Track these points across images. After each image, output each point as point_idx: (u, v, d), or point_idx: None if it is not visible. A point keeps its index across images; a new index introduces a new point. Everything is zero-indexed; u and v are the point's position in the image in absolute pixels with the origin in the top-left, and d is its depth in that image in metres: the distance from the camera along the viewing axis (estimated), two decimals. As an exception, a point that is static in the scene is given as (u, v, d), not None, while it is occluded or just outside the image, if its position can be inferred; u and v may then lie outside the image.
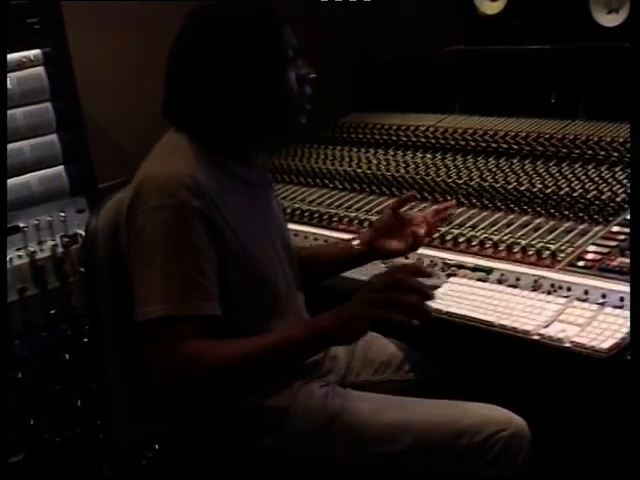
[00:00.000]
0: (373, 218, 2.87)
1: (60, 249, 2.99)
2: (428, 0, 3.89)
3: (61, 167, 3.01)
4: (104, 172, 3.14)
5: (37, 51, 2.92)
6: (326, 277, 2.53)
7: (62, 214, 3.00)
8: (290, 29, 2.09)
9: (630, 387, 1.67)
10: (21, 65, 2.88)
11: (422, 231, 2.38)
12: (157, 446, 2.10)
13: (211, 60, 2.00)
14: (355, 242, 2.46)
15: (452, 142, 3.40)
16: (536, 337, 2.01)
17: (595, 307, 2.06)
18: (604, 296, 2.12)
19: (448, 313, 2.19)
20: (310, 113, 2.14)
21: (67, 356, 3.02)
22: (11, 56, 2.86)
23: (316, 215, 3.05)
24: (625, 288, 2.13)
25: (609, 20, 3.23)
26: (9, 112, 2.86)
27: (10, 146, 2.86)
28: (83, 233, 2.93)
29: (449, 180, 3.05)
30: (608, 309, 2.04)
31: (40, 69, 2.93)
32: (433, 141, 3.46)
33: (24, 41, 2.89)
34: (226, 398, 1.98)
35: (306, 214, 3.07)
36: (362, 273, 2.49)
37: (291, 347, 1.88)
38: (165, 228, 1.88)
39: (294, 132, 2.25)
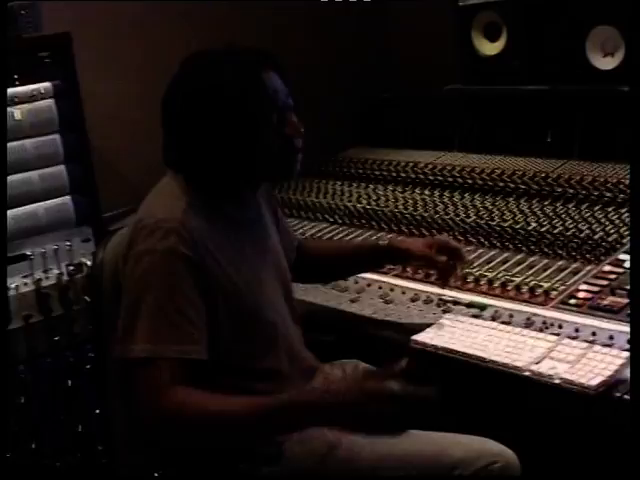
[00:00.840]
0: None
1: (65, 277, 3.03)
2: (428, 40, 3.97)
3: (68, 197, 3.06)
4: (108, 202, 3.21)
5: (47, 84, 2.98)
6: (341, 273, 2.68)
7: (68, 243, 3.05)
8: (286, 78, 2.13)
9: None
10: (32, 97, 2.94)
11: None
12: (157, 474, 2.15)
13: (198, 108, 2.05)
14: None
15: (450, 179, 3.47)
16: (527, 373, 2.05)
17: (585, 345, 2.10)
18: (594, 334, 2.17)
19: (443, 348, 2.24)
20: (302, 161, 2.18)
21: (70, 382, 3.06)
22: (22, 89, 2.93)
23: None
24: (614, 326, 2.19)
25: (604, 63, 3.31)
26: (19, 143, 2.93)
27: (19, 176, 2.93)
28: (88, 262, 3.01)
29: (446, 217, 3.11)
30: (597, 347, 2.08)
31: (50, 102, 2.99)
32: (431, 178, 3.53)
33: (35, 74, 2.95)
34: (206, 447, 1.96)
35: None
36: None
37: (279, 416, 1.86)
38: (153, 271, 1.94)
39: (285, 180, 2.29)
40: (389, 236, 3.06)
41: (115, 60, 3.55)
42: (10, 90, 2.90)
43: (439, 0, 3.84)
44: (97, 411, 3.07)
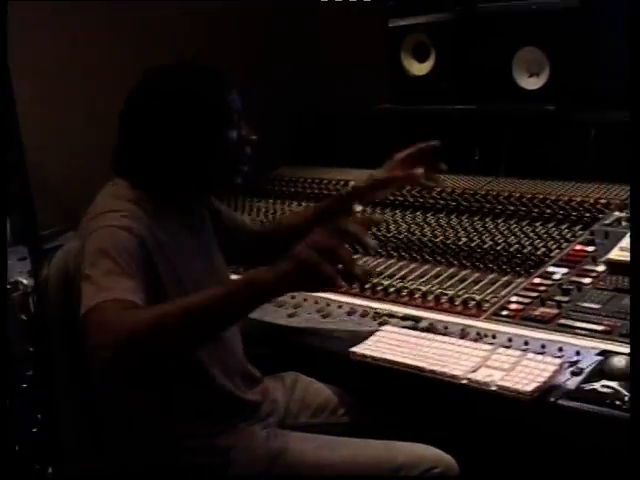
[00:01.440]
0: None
1: (1, 296, 3.03)
2: (361, 60, 4.05)
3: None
4: (45, 219, 3.20)
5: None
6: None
7: (4, 262, 3.03)
8: (237, 92, 2.21)
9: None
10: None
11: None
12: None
13: (158, 116, 2.13)
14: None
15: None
16: (464, 381, 2.11)
17: (519, 353, 2.17)
18: (526, 343, 2.24)
19: (382, 359, 2.28)
20: (245, 174, 2.28)
21: (7, 402, 3.04)
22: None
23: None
24: (545, 336, 2.27)
25: (530, 83, 3.43)
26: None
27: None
28: (24, 281, 3.00)
29: (378, 233, 3.16)
30: (530, 355, 2.15)
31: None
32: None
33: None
34: (168, 351, 1.87)
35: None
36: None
37: (229, 300, 1.81)
38: (108, 239, 1.97)
39: (231, 189, 2.35)
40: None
41: (50, 75, 3.54)
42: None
43: (372, 20, 3.91)
44: (34, 430, 3.07)
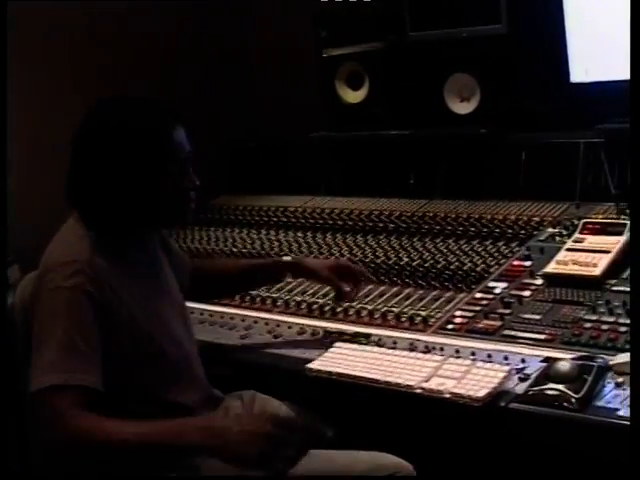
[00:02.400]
0: (254, 293, 3.03)
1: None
2: (295, 88, 4.14)
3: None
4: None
5: None
6: (242, 287, 2.91)
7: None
8: (185, 132, 2.28)
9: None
10: None
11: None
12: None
13: (109, 152, 2.17)
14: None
15: (320, 221, 3.63)
16: (419, 390, 2.20)
17: (468, 362, 2.27)
18: (473, 354, 2.34)
19: (337, 374, 2.37)
20: (191, 210, 2.34)
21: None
22: None
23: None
24: (491, 346, 2.38)
25: (462, 108, 3.57)
26: None
27: None
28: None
29: (321, 257, 3.26)
30: (479, 363, 2.25)
31: None
32: (303, 221, 3.69)
33: None
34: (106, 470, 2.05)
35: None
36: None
37: (174, 441, 1.99)
38: (61, 306, 2.05)
39: (179, 224, 2.42)
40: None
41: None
42: None
43: (304, 51, 4.01)
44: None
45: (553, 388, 2.05)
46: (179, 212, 2.31)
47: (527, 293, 2.64)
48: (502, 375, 2.16)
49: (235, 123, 4.39)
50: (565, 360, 2.14)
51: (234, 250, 3.55)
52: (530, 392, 2.08)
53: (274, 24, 4.22)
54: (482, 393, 2.11)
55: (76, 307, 2.05)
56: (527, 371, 2.19)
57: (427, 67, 3.63)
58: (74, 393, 1.97)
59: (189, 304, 3.03)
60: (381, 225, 3.45)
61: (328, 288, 2.90)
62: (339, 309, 2.81)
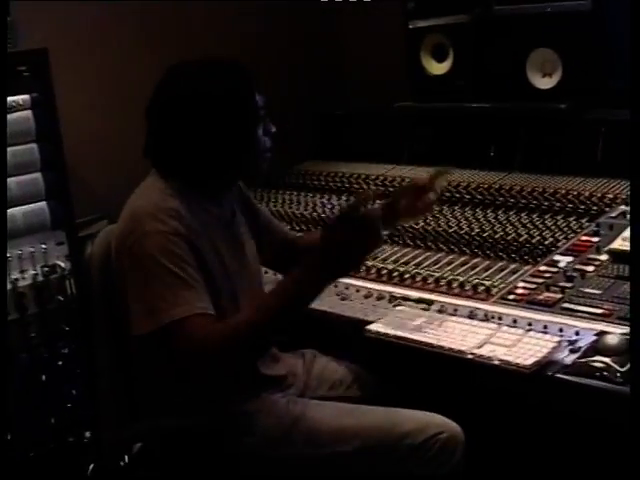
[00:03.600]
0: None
1: (40, 278, 3.20)
2: (381, 59, 4.21)
3: (44, 203, 3.22)
4: (79, 209, 3.39)
5: (26, 96, 3.15)
6: None
7: (43, 246, 3.21)
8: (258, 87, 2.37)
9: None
10: (11, 108, 3.11)
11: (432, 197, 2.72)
12: (137, 446, 2.35)
13: (189, 113, 2.27)
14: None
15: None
16: (470, 356, 2.27)
17: (521, 332, 2.33)
18: (530, 324, 2.39)
19: (394, 336, 2.45)
20: (270, 163, 2.45)
21: (44, 377, 3.23)
22: (1, 100, 3.11)
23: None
24: (548, 318, 2.42)
25: (543, 83, 3.58)
26: (-2, 150, 3.10)
27: (-4, 182, 3.11)
28: (62, 264, 3.21)
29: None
30: (531, 333, 2.32)
31: (28, 112, 3.16)
32: (382, 188, 3.74)
33: (14, 86, 3.12)
34: (251, 356, 2.25)
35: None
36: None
37: (295, 292, 2.15)
38: (161, 249, 2.15)
39: (258, 178, 2.53)
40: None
41: (87, 74, 3.76)
42: (-11, 101, 3.09)
43: (391, 22, 4.08)
44: (69, 404, 3.26)
45: (599, 360, 2.10)
46: (259, 162, 2.41)
47: (591, 268, 2.67)
48: (552, 345, 2.22)
49: (325, 91, 4.48)
50: (615, 334, 2.19)
51: (314, 215, 3.64)
52: (576, 363, 2.14)
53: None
54: (530, 361, 2.17)
55: (175, 248, 2.15)
56: (579, 344, 2.23)
57: (511, 41, 3.64)
58: (197, 320, 2.11)
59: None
60: (457, 196, 3.50)
61: (399, 254, 3.01)
62: (407, 275, 2.88)
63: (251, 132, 2.33)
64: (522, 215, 3.21)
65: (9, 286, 3.14)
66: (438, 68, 3.91)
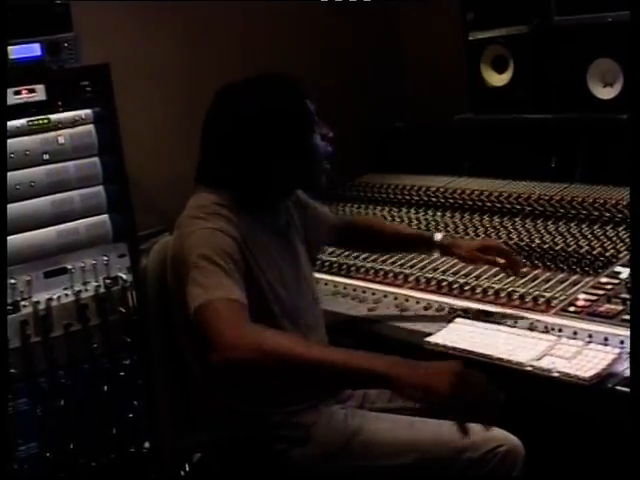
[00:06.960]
0: (387, 268, 3.16)
1: (102, 289, 3.25)
2: (440, 72, 4.21)
3: (106, 216, 3.27)
4: (142, 221, 3.43)
5: (88, 111, 3.21)
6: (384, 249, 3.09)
7: (105, 258, 3.26)
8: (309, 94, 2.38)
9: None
10: (74, 123, 3.18)
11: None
12: (196, 456, 2.38)
13: (244, 132, 2.29)
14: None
15: (460, 202, 3.69)
16: (529, 368, 2.27)
17: (581, 343, 2.32)
18: (590, 336, 2.38)
19: (453, 348, 2.45)
20: (329, 171, 2.45)
21: (105, 387, 3.27)
22: (65, 115, 3.17)
23: (335, 265, 3.32)
24: (609, 330, 2.40)
25: (604, 93, 3.55)
26: (62, 164, 3.17)
27: (62, 195, 3.17)
28: (124, 276, 3.25)
29: (457, 236, 3.33)
30: (592, 345, 2.30)
31: (90, 127, 3.22)
32: (443, 200, 3.76)
33: (77, 102, 3.19)
34: (268, 382, 2.05)
35: (326, 264, 3.35)
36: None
37: (347, 369, 1.95)
38: (206, 240, 2.16)
39: (318, 186, 2.54)
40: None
41: (149, 90, 3.82)
42: (54, 116, 3.14)
43: (450, 34, 4.08)
44: (130, 415, 3.30)
45: (661, 372, 2.07)
46: (318, 172, 2.42)
47: (653, 280, 2.64)
48: (612, 357, 2.20)
49: (384, 105, 4.49)
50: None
51: (374, 226, 3.64)
52: (638, 376, 2.11)
53: (423, 7, 4.29)
54: (590, 374, 2.15)
55: (222, 245, 2.15)
56: (640, 356, 2.22)
57: (571, 51, 3.62)
58: (229, 302, 2.04)
59: (325, 276, 3.17)
60: (518, 207, 3.49)
61: (459, 266, 2.99)
62: (467, 287, 2.88)
63: (307, 138, 2.35)
64: (583, 226, 3.19)
65: (72, 298, 3.19)
66: (498, 79, 3.90)
